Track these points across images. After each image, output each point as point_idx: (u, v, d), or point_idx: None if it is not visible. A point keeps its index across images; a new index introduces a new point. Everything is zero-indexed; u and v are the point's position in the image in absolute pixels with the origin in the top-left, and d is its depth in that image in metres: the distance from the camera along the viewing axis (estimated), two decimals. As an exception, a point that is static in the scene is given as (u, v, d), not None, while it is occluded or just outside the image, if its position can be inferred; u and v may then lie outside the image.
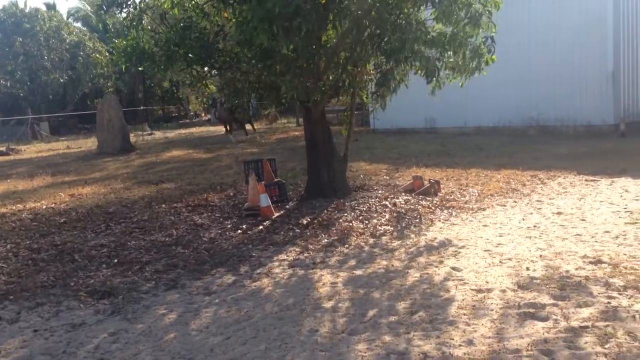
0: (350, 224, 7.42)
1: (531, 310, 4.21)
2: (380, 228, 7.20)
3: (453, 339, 3.85)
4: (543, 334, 3.83)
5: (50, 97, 38.02)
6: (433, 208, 8.08)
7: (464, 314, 4.25)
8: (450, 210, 7.90)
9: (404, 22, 7.60)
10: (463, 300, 4.54)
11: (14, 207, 10.29)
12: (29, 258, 6.80)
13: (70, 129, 36.57)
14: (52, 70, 37.65)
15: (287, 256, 6.29)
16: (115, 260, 6.48)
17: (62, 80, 38.05)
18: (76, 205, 10.14)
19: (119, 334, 4.46)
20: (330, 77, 8.67)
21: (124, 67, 9.64)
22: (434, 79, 7.79)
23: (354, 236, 6.89)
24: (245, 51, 8.35)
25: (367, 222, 7.53)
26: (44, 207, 10.15)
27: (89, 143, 25.02)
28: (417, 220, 7.49)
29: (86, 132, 34.37)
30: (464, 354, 3.63)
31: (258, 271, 5.83)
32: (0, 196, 11.75)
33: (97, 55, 37.40)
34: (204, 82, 9.80)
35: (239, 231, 7.56)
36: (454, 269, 5.39)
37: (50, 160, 19.79)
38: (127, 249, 6.97)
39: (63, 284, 5.75)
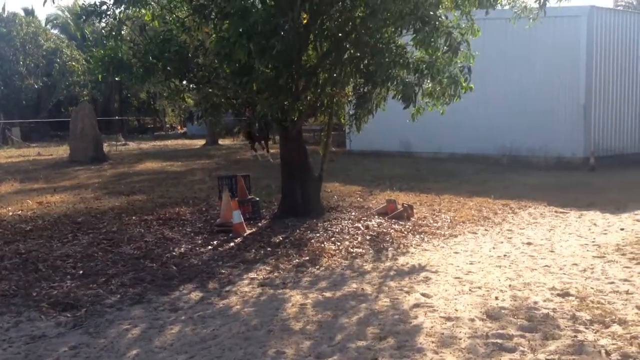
0: (322, 245, 7.38)
1: (499, 340, 4.21)
2: (352, 250, 7.18)
3: (421, 366, 3.83)
4: (510, 364, 3.83)
5: (24, 102, 37.45)
6: (405, 233, 8.10)
7: (432, 342, 4.24)
8: (422, 236, 7.93)
9: (383, 46, 7.68)
10: (432, 327, 4.52)
11: (-22, 213, 10.03)
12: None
13: (43, 135, 36.02)
14: (28, 76, 37.15)
15: (257, 275, 6.23)
16: (81, 272, 6.33)
17: (37, 87, 37.55)
18: (44, 213, 9.93)
19: (79, 347, 4.34)
20: (309, 97, 8.69)
21: (100, 76, 9.54)
22: (411, 103, 7.86)
23: (325, 257, 6.85)
24: (224, 66, 8.33)
25: (339, 243, 7.50)
26: (10, 213, 9.92)
27: (61, 151, 24.64)
28: (390, 244, 7.49)
29: (58, 139, 33.88)
30: (431, 381, 3.61)
31: (227, 289, 5.75)
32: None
33: (74, 63, 37.03)
34: (181, 95, 9.74)
35: (210, 247, 7.47)
36: (424, 295, 5.38)
37: (19, 166, 19.40)
38: (93, 260, 6.83)
39: (25, 294, 5.60)
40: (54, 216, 9.57)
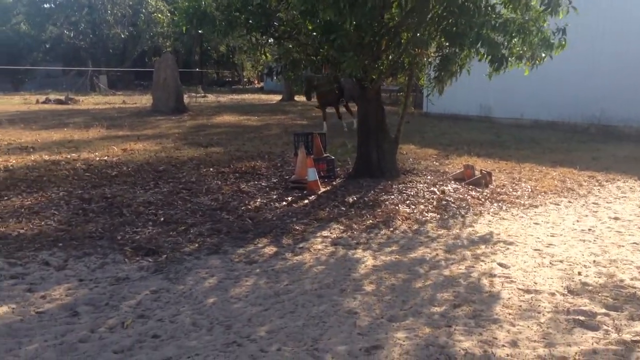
0: (396, 207, 7.30)
1: (581, 317, 4.05)
2: (426, 215, 7.07)
3: (497, 339, 3.73)
4: (592, 344, 3.67)
5: (110, 51, 38.77)
6: (483, 200, 7.88)
7: (509, 314, 4.13)
8: (500, 204, 7.69)
9: (471, 5, 7.34)
10: (509, 299, 4.40)
11: (68, 156, 10.54)
12: (79, 207, 6.95)
13: (127, 84, 37.28)
14: (115, 25, 38.30)
15: (330, 233, 6.25)
16: (162, 219, 6.56)
17: (123, 36, 38.69)
18: (128, 160, 10.32)
19: (160, 292, 4.52)
20: (390, 57, 8.49)
21: (184, 28, 9.65)
22: (502, 66, 7.51)
23: (399, 220, 6.78)
24: (306, 23, 8.24)
25: (413, 207, 7.40)
26: (97, 158, 10.37)
27: (144, 100, 25.44)
28: (466, 210, 7.32)
29: (142, 88, 34.96)
30: (507, 355, 3.52)
31: (300, 245, 5.81)
32: (56, 144, 12.08)
33: (159, 14, 37.80)
34: (262, 50, 9.73)
35: (284, 203, 7.55)
36: (501, 265, 5.24)
37: (106, 113, 20.22)
38: (173, 208, 7.05)
39: (110, 237, 5.86)
40: (137, 163, 9.93)
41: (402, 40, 8.17)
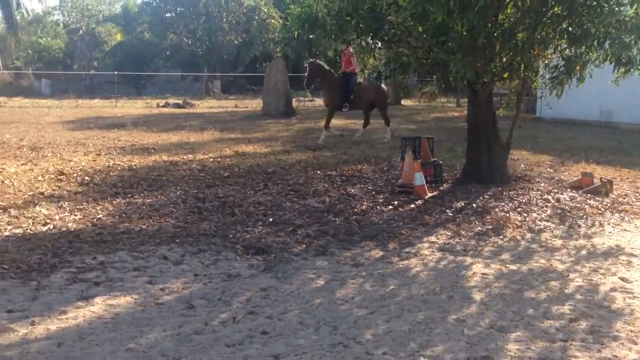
0: (507, 215, 7.05)
1: None
2: (540, 223, 6.77)
3: (617, 356, 3.51)
4: None
5: (224, 57, 40.42)
6: (602, 210, 7.42)
7: (631, 331, 3.86)
8: (622, 215, 7.21)
9: (595, 3, 6.95)
10: (631, 315, 4.11)
11: (185, 157, 11.13)
12: (195, 206, 7.31)
13: (239, 88, 38.69)
14: (229, 32, 39.91)
15: (437, 239, 6.14)
16: (271, 220, 6.75)
17: (236, 42, 40.21)
18: (239, 161, 10.72)
19: (269, 290, 4.65)
20: (504, 59, 8.22)
21: (296, 33, 9.90)
22: (631, 68, 7.04)
23: (510, 228, 6.54)
24: (417, 25, 8.17)
25: (525, 215, 7.11)
26: (211, 160, 10.86)
27: (255, 104, 26.28)
28: (583, 220, 6.92)
29: (253, 93, 36.14)
30: (629, 375, 3.30)
31: (406, 250, 5.76)
32: (174, 145, 12.78)
33: (273, 20, 38.94)
34: (372, 54, 9.76)
35: (390, 207, 7.52)
36: (622, 279, 4.91)
37: (219, 116, 21.13)
38: (282, 209, 7.23)
39: (223, 235, 6.11)
40: (248, 165, 10.29)
41: (518, 42, 7.89)
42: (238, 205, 7.33)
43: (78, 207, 7.09)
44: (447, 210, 7.27)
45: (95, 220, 6.55)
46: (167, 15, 41.12)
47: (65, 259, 5.20)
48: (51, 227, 6.22)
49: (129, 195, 7.85)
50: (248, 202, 7.53)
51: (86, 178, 8.82)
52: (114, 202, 7.43)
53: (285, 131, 16.46)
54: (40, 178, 8.72)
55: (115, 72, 30.27)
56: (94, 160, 10.53)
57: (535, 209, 7.41)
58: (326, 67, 14.52)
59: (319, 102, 30.92)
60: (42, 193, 7.77)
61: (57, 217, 6.60)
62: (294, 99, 23.82)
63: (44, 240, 5.72)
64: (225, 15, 39.51)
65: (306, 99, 30.13)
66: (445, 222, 6.79)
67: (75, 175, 9.06)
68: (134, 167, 9.95)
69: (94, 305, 4.25)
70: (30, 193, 7.74)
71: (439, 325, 3.99)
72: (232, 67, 39.86)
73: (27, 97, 29.50)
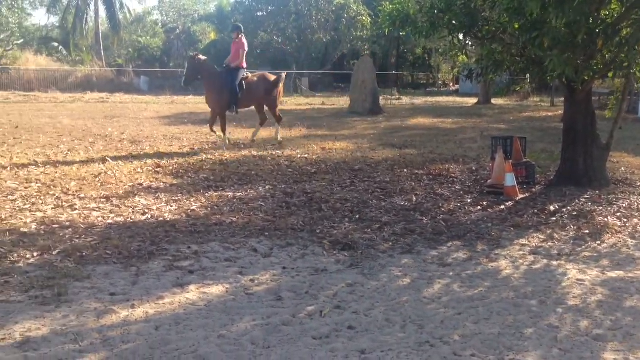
0: (606, 220, 6.71)
1: None
2: (641, 230, 6.40)
3: None
4: None
5: (313, 55, 40.88)
6: None
7: None
8: None
9: None
10: None
11: (273, 153, 11.36)
12: (283, 201, 7.46)
13: (327, 86, 39.04)
14: (318, 30, 40.32)
15: (529, 241, 5.95)
16: (357, 216, 6.78)
17: (324, 40, 40.57)
18: (326, 158, 10.82)
19: (355, 286, 4.68)
20: (607, 56, 7.82)
21: (386, 30, 9.87)
22: None
23: (608, 233, 6.23)
24: (512, 21, 7.93)
25: (626, 220, 6.74)
26: (299, 156, 11.03)
27: (342, 101, 26.43)
28: (691, 228, 6.48)
29: (340, 90, 36.38)
30: None
31: (496, 252, 5.62)
32: (263, 141, 13.08)
33: (364, 17, 38.97)
34: (464, 51, 9.57)
35: (479, 207, 7.36)
36: None
37: (307, 114, 21.41)
38: (368, 207, 7.24)
39: (310, 230, 6.21)
40: (335, 162, 10.37)
41: (622, 38, 7.48)
42: (325, 201, 7.41)
43: (173, 198, 7.42)
44: (540, 213, 7.03)
45: (189, 211, 6.83)
46: (258, 14, 42.09)
47: (163, 247, 5.46)
48: (149, 216, 6.55)
49: (220, 188, 8.12)
50: (335, 198, 7.60)
51: (181, 171, 9.22)
52: (207, 194, 7.71)
53: (372, 129, 16.44)
54: (139, 170, 9.20)
55: (209, 70, 31.32)
56: (188, 154, 10.97)
57: (637, 214, 7.00)
58: (209, 63, 12.69)
59: (406, 100, 30.67)
60: (141, 184, 8.20)
61: (154, 207, 6.94)
62: (381, 97, 23.73)
63: (143, 228, 6.04)
64: (315, 13, 39.92)
65: (393, 97, 29.97)
66: (538, 224, 6.56)
67: (170, 167, 9.48)
68: (225, 161, 10.28)
69: (188, 292, 4.45)
70: (130, 184, 8.18)
71: (530, 329, 3.87)
72: (320, 64, 40.25)
73: (127, 93, 31.12)
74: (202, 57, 12.54)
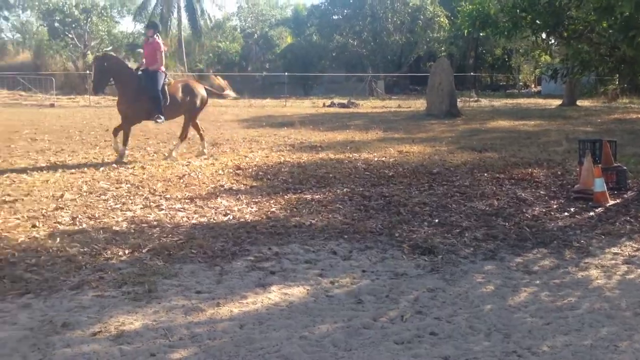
0: None
1: None
2: None
3: None
4: None
5: (388, 57, 40.75)
6: None
7: None
8: None
9: None
10: None
11: (350, 156, 11.40)
12: (361, 204, 7.46)
13: (402, 89, 38.78)
14: (393, 32, 40.14)
15: (622, 250, 5.66)
16: (436, 220, 6.68)
17: (400, 42, 40.34)
18: (403, 161, 10.74)
19: (436, 291, 4.61)
20: None
21: (465, 31, 9.70)
22: None
23: None
24: (601, 20, 7.60)
25: None
26: (375, 159, 11.00)
27: (418, 104, 26.19)
28: None
29: (416, 93, 36.04)
30: None
31: (586, 260, 5.38)
32: (340, 144, 13.15)
33: (442, 19, 38.45)
34: (548, 51, 9.26)
35: (566, 213, 7.08)
36: None
37: (382, 116, 21.35)
38: (448, 211, 7.12)
39: (389, 234, 6.17)
40: (412, 165, 10.27)
41: None
42: (403, 205, 7.35)
43: (254, 200, 7.57)
44: (633, 220, 6.68)
45: (269, 213, 6.95)
46: (334, 17, 42.40)
47: (245, 248, 5.59)
48: (231, 217, 6.72)
49: (299, 190, 8.21)
50: (413, 202, 7.52)
51: (260, 173, 9.40)
52: (286, 196, 7.82)
53: (450, 132, 16.17)
54: (220, 172, 9.46)
55: (286, 74, 31.82)
56: (267, 157, 11.18)
57: None
58: (122, 62, 11.10)
59: (484, 102, 29.95)
60: (222, 186, 8.42)
61: (235, 208, 7.11)
62: (458, 100, 23.31)
63: (225, 229, 6.20)
64: (391, 15, 39.77)
65: (471, 99, 29.36)
66: (631, 232, 6.24)
67: (250, 170, 9.69)
68: (303, 164, 10.40)
69: (270, 292, 4.52)
70: (212, 185, 8.43)
71: (625, 342, 3.68)
72: (395, 67, 40.02)
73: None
74: (112, 55, 11.16)
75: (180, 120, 11.55)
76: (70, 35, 38.20)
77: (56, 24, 40.22)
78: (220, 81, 9.99)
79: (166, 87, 10.58)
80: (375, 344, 3.69)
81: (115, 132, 10.58)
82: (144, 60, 10.90)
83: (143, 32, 9.72)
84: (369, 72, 37.46)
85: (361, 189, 8.31)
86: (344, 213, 6.99)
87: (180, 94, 10.87)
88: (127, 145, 10.60)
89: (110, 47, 40.47)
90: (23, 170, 9.36)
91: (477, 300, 4.43)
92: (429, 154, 11.75)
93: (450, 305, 4.33)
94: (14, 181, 8.52)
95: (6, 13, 50.77)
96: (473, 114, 22.28)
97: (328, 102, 27.82)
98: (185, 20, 45.31)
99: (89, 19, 38.91)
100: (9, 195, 7.58)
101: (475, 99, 30.75)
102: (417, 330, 3.90)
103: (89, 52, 38.93)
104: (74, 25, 38.37)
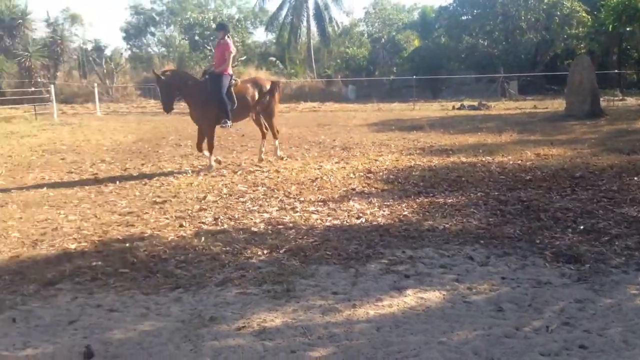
0: None
1: None
2: None
3: None
4: None
5: (521, 56, 38.94)
6: None
7: None
8: None
9: None
10: None
11: (483, 159, 11.04)
12: (496, 208, 7.18)
13: (537, 89, 36.86)
14: (527, 30, 38.33)
15: None
16: (581, 227, 6.26)
17: (535, 40, 38.43)
18: (541, 164, 10.21)
19: (584, 302, 4.32)
20: None
21: (610, 26, 9.04)
22: None
23: None
24: None
25: None
26: (511, 162, 10.56)
27: (555, 104, 24.76)
28: None
29: (553, 93, 34.10)
30: None
31: None
32: (471, 147, 12.78)
33: (581, 14, 36.18)
34: None
35: None
36: None
37: (516, 118, 20.45)
38: (594, 217, 6.65)
39: (529, 240, 5.88)
40: (552, 169, 9.73)
41: None
42: (543, 210, 6.98)
43: (385, 203, 7.57)
44: None
45: (401, 216, 6.91)
46: (463, 18, 41.32)
47: (378, 251, 5.59)
48: (363, 220, 6.76)
49: (431, 194, 8.08)
50: (554, 207, 7.12)
51: (391, 177, 9.37)
52: (417, 200, 7.74)
53: (592, 133, 15.12)
54: (351, 175, 9.56)
55: (414, 77, 31.53)
56: (397, 160, 11.13)
57: None
58: (183, 73, 10.89)
59: (631, 101, 27.65)
60: (354, 189, 8.51)
61: (368, 211, 7.15)
62: (601, 99, 21.72)
63: (358, 232, 6.25)
64: (524, 13, 38.00)
65: (615, 98, 27.30)
66: None
67: (381, 173, 9.70)
68: (434, 167, 10.23)
69: (406, 296, 4.49)
70: (344, 189, 8.54)
71: None
72: (529, 66, 38.14)
73: (336, 102, 32.67)
74: (171, 70, 11.03)
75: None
76: (208, 47, 40.56)
77: (196, 37, 42.95)
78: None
79: (232, 89, 10.41)
80: (519, 355, 3.53)
81: (199, 146, 10.59)
82: (214, 62, 10.91)
83: (214, 34, 9.53)
84: (500, 72, 35.99)
85: (496, 193, 8.02)
86: (478, 217, 6.78)
87: (249, 93, 10.67)
88: (212, 153, 10.59)
89: (244, 57, 42.43)
90: (170, 174, 10.08)
91: (631, 313, 4.09)
92: (570, 156, 11.06)
93: (601, 318, 4.04)
94: (163, 184, 9.20)
95: (153, 29, 55.28)
96: (618, 113, 20.65)
97: (457, 104, 27.15)
98: (314, 28, 46.48)
99: (226, 31, 41.20)
100: (158, 196, 8.20)
101: (620, 97, 28.49)
102: (565, 342, 3.67)
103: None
104: (212, 38, 40.67)
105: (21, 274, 5.06)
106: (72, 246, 5.89)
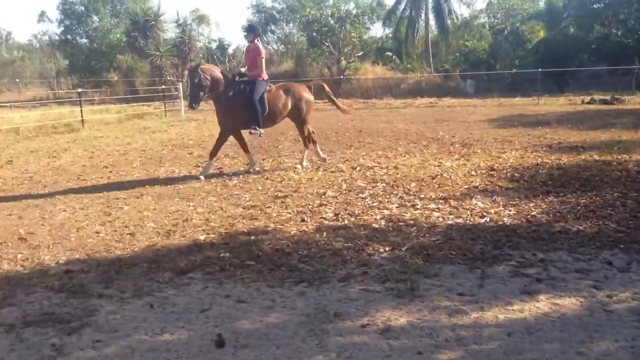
0: None
1: None
2: None
3: None
4: None
5: (660, 46, 35.81)
6: None
7: None
8: None
9: None
10: None
11: (618, 157, 10.27)
12: (636, 211, 6.63)
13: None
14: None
15: None
16: None
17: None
18: (687, 164, 9.31)
19: None
20: None
21: None
22: None
23: None
24: None
25: None
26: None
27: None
28: None
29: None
30: None
31: None
32: (604, 144, 11.93)
33: None
34: None
35: None
36: None
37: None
38: None
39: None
40: (700, 168, 8.84)
41: None
42: None
43: (511, 202, 7.24)
44: None
45: (529, 216, 6.56)
46: (594, 6, 38.64)
47: (505, 252, 5.35)
48: (488, 219, 6.50)
49: (561, 194, 7.63)
50: None
51: (516, 174, 8.96)
52: (546, 200, 7.33)
53: None
54: (473, 172, 9.25)
55: (539, 70, 29.99)
56: (522, 157, 10.63)
57: None
58: (217, 71, 10.00)
59: None
60: (476, 187, 8.22)
61: (492, 210, 6.87)
62: None
63: (483, 231, 6.02)
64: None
65: None
66: None
67: (504, 171, 9.30)
68: (563, 165, 9.66)
69: (538, 301, 4.24)
70: (466, 186, 8.27)
71: None
72: (670, 56, 34.97)
73: (454, 97, 31.83)
74: (206, 65, 10.37)
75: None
76: (326, 44, 41.02)
77: (314, 34, 43.52)
78: (326, 89, 9.17)
79: (265, 95, 10.00)
80: (670, 373, 3.22)
81: (244, 148, 10.39)
82: (245, 66, 10.54)
83: (249, 38, 9.04)
84: (635, 64, 33.29)
85: (635, 194, 7.41)
86: (616, 220, 6.29)
87: (281, 101, 10.23)
88: (249, 151, 10.43)
89: (361, 53, 42.50)
90: (290, 169, 10.30)
91: None
92: None
93: None
94: (284, 178, 9.42)
95: (273, 27, 56.89)
96: None
97: (587, 98, 25.46)
98: (432, 21, 45.52)
99: (343, 27, 41.32)
100: (280, 191, 8.40)
101: None
102: None
103: (342, 58, 41.38)
104: (329, 34, 41.12)
105: (157, 262, 5.37)
106: (202, 237, 6.16)
